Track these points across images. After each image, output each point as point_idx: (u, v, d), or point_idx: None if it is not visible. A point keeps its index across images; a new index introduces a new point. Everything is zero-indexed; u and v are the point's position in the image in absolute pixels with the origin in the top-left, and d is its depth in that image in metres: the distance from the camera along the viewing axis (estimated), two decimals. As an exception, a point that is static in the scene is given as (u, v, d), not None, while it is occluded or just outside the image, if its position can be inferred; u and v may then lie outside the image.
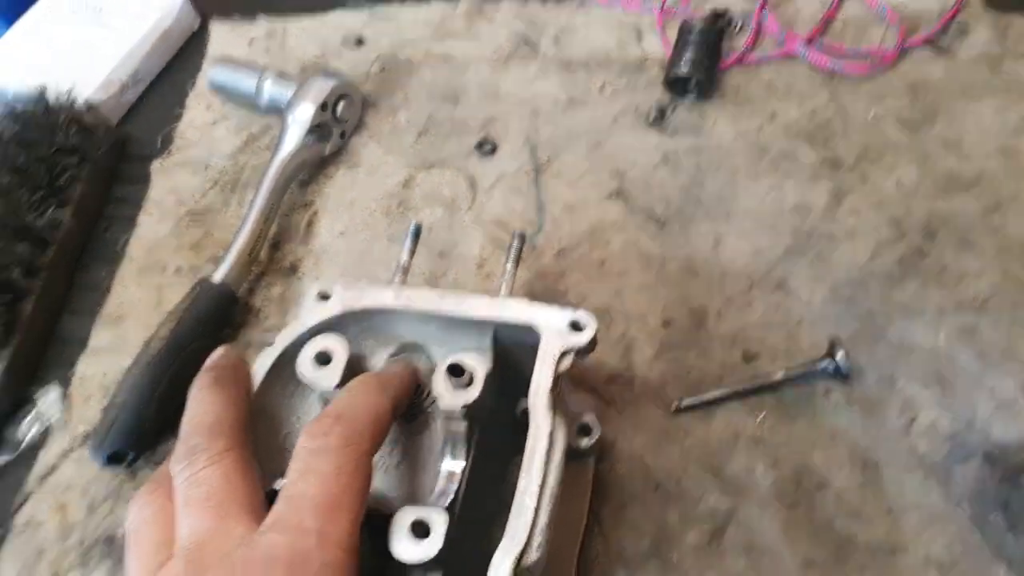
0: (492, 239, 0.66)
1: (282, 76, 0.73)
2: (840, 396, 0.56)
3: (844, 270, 0.60)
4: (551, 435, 0.41)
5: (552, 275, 0.63)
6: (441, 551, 0.37)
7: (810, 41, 0.71)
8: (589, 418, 0.52)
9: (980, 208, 0.61)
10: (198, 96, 0.80)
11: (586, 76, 0.74)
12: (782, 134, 0.67)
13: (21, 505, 0.60)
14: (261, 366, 0.45)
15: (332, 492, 0.36)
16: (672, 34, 0.73)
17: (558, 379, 0.43)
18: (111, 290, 0.69)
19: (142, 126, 0.80)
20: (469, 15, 0.80)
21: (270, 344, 0.46)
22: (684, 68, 0.69)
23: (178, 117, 0.79)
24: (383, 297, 0.46)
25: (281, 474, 0.40)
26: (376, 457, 0.39)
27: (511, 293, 0.49)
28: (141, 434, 0.59)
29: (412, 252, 0.52)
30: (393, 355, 0.47)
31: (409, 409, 0.44)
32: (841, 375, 0.55)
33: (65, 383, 0.65)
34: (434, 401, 0.44)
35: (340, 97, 0.71)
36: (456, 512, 0.41)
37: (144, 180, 0.75)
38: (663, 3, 0.76)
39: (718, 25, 0.72)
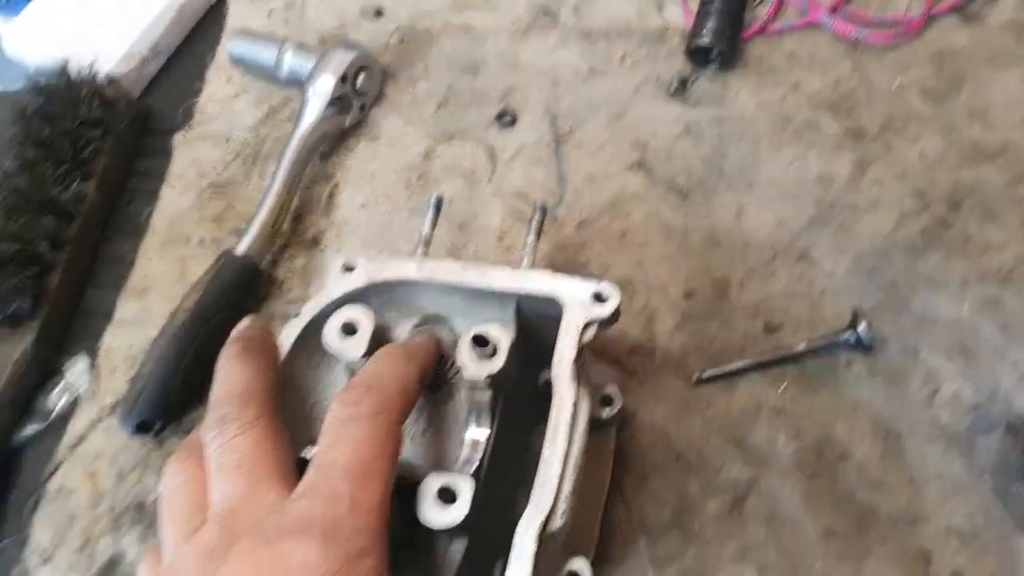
0: (512, 211, 0.66)
1: (302, 48, 0.73)
2: (863, 367, 0.56)
3: (867, 241, 0.60)
4: (575, 405, 0.41)
5: (573, 246, 0.63)
6: (467, 517, 0.37)
7: (834, 10, 0.70)
8: (611, 389, 0.52)
9: (1005, 179, 0.61)
10: (218, 69, 0.80)
11: (606, 46, 0.73)
12: (805, 104, 0.67)
13: (52, 473, 0.62)
14: (287, 337, 0.46)
15: (363, 459, 0.36)
16: (693, 3, 0.72)
17: (581, 350, 0.43)
18: (135, 263, 0.70)
19: (163, 99, 0.80)
20: (488, -16, 0.80)
21: (294, 316, 0.47)
22: (706, 38, 0.68)
23: (198, 90, 0.79)
24: (406, 269, 0.47)
25: (309, 443, 0.41)
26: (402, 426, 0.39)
27: (533, 265, 0.49)
28: (168, 404, 0.60)
29: (434, 224, 0.52)
30: (416, 326, 0.47)
31: (434, 379, 0.45)
32: (864, 346, 0.55)
33: (92, 354, 0.66)
34: (458, 371, 0.45)
35: (360, 69, 0.71)
36: (481, 479, 0.41)
37: (166, 153, 0.76)
38: (684, -28, 0.75)
39: (741, -6, 0.71)
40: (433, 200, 0.53)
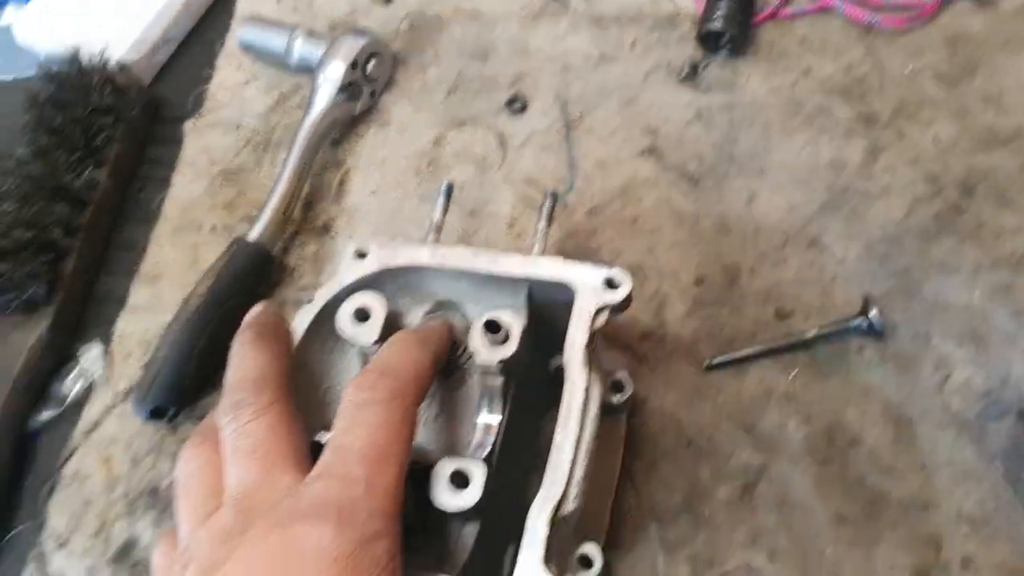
0: (523, 197, 0.66)
1: (312, 35, 0.73)
2: (874, 353, 0.56)
3: (879, 227, 0.60)
4: (586, 390, 0.42)
5: (584, 233, 0.63)
6: (480, 500, 0.38)
7: (846, -6, 0.70)
8: (622, 375, 0.53)
9: (1019, 164, 0.60)
10: (228, 56, 0.80)
11: (617, 32, 0.73)
12: (817, 89, 0.67)
13: (68, 458, 0.62)
14: (300, 323, 0.46)
15: (379, 443, 0.37)
16: (705, -12, 0.72)
17: (593, 336, 0.43)
18: (147, 249, 0.71)
19: (173, 87, 0.80)
20: (497, -30, 0.79)
21: (305, 302, 0.47)
22: (717, 23, 0.68)
23: (208, 78, 0.79)
24: (418, 255, 0.47)
25: (322, 427, 0.41)
26: (415, 411, 0.40)
27: (544, 251, 0.49)
28: (182, 390, 0.60)
29: (445, 211, 0.52)
30: (428, 312, 0.48)
31: (446, 365, 0.45)
32: (875, 332, 0.55)
33: (106, 341, 0.67)
34: (470, 357, 0.45)
35: (370, 55, 0.71)
36: (493, 464, 0.42)
37: (177, 141, 0.76)
38: (696, -44, 0.75)
39: (752, -21, 0.71)
40: (444, 187, 0.53)
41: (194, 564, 0.36)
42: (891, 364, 0.55)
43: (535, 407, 0.49)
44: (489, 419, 0.43)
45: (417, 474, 0.38)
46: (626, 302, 0.44)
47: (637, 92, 0.69)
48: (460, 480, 0.38)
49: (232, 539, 0.35)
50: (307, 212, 0.69)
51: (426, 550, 0.40)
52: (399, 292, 0.48)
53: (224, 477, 0.39)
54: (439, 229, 0.51)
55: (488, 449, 0.42)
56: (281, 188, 0.66)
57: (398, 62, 0.76)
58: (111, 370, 0.65)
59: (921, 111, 0.64)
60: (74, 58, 0.72)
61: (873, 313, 0.54)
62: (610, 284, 0.44)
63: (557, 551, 0.40)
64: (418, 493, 0.38)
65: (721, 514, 0.52)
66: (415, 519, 0.39)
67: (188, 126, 0.76)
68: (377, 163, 0.71)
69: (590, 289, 0.44)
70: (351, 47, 0.70)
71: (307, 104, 0.70)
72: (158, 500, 0.60)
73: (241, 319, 0.45)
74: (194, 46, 0.83)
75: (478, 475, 0.38)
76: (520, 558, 0.38)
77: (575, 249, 0.62)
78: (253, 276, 0.63)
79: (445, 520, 0.41)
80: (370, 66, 0.71)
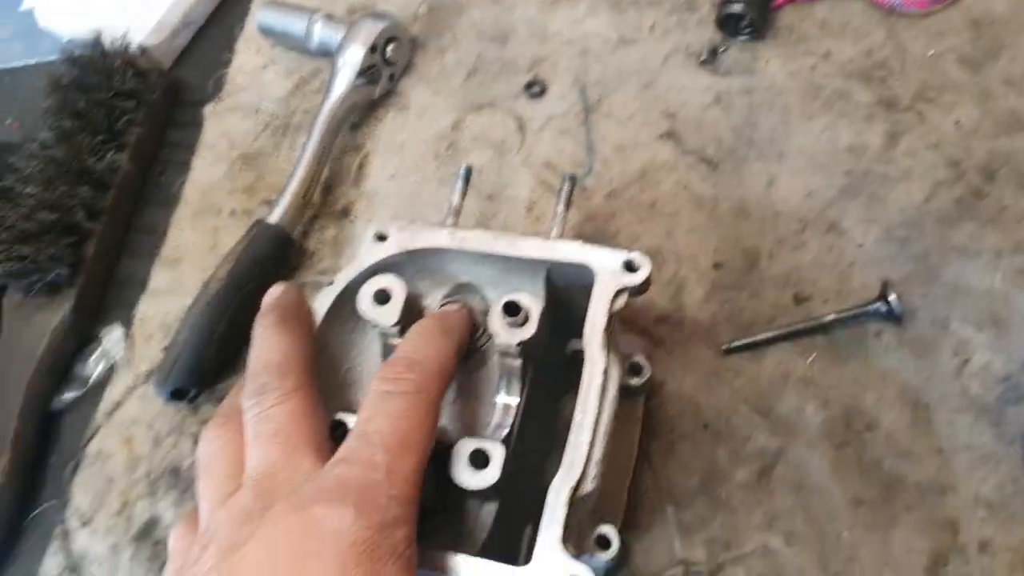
0: (541, 181, 0.66)
1: (331, 18, 0.73)
2: (892, 338, 0.56)
3: (899, 211, 0.60)
4: (605, 371, 0.42)
5: (602, 217, 0.63)
6: (499, 480, 0.38)
7: (868, -24, 0.69)
8: (640, 358, 0.53)
9: (1042, 148, 0.60)
10: (247, 40, 0.81)
11: (636, 15, 0.72)
12: (837, 73, 0.66)
13: (91, 438, 0.63)
14: (321, 305, 0.46)
15: (402, 432, 0.37)
16: (725, -29, 0.71)
17: (611, 318, 0.43)
18: (168, 233, 0.71)
19: (193, 71, 0.81)
20: (516, -47, 0.79)
21: (327, 284, 0.47)
22: (737, 6, 0.67)
23: (228, 62, 0.80)
24: (438, 237, 0.47)
25: (342, 408, 0.42)
26: (435, 393, 0.40)
27: (562, 235, 0.49)
28: (202, 371, 0.61)
29: (463, 194, 0.52)
30: (447, 295, 0.48)
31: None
32: (894, 317, 0.55)
33: (127, 323, 0.67)
34: (489, 339, 0.45)
35: (389, 39, 0.71)
36: (512, 444, 0.42)
37: (197, 124, 0.76)
38: (715, -61, 0.74)
39: (772, -39, 0.70)
40: (463, 170, 0.53)
41: (214, 544, 0.36)
42: (909, 348, 0.55)
43: (553, 390, 0.49)
44: (508, 400, 0.44)
45: (438, 454, 0.39)
46: (645, 285, 0.44)
47: (656, 76, 0.69)
48: (480, 460, 0.39)
49: (252, 520, 0.36)
50: (326, 196, 0.70)
51: (446, 529, 0.41)
52: (419, 275, 0.48)
53: (246, 460, 0.39)
54: (458, 213, 0.51)
55: (507, 430, 0.43)
56: (300, 172, 0.66)
57: (417, 46, 0.76)
58: (132, 352, 0.66)
59: (943, 95, 0.63)
60: (96, 42, 0.73)
61: (892, 297, 0.54)
62: (629, 267, 0.44)
63: (575, 532, 0.41)
64: (438, 473, 0.39)
65: (738, 497, 0.52)
66: (436, 499, 0.39)
67: (208, 110, 0.77)
68: (396, 147, 0.71)
69: (609, 272, 0.44)
70: (370, 31, 0.70)
71: (326, 88, 0.70)
72: (179, 480, 0.61)
73: (261, 302, 0.45)
74: (214, 30, 0.83)
75: (497, 455, 0.39)
76: (539, 538, 0.38)
77: (593, 233, 0.62)
78: (273, 259, 0.64)
79: (464, 500, 0.41)
80: (389, 50, 0.71)
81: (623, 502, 0.52)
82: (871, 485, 0.51)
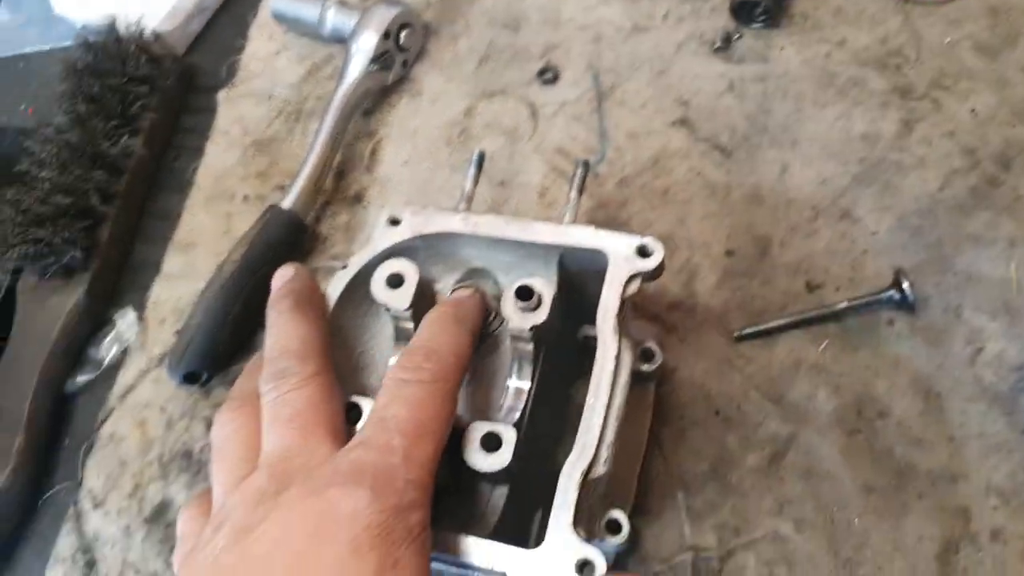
0: (553, 168, 0.66)
1: (344, 5, 0.73)
2: (904, 326, 0.55)
3: (913, 199, 0.59)
4: (617, 356, 0.42)
5: (614, 203, 0.63)
6: (511, 463, 0.38)
7: (884, -37, 0.68)
8: (651, 344, 0.53)
9: (1059, 137, 0.60)
10: (260, 26, 0.81)
11: (649, 2, 0.72)
12: (851, 61, 0.66)
13: (104, 421, 0.64)
14: (335, 289, 0.46)
15: (419, 419, 0.37)
16: (739, -42, 0.71)
17: (624, 303, 0.43)
18: (181, 218, 0.71)
19: (206, 57, 0.81)
20: (529, -60, 0.79)
21: (340, 268, 0.48)
22: (752, -7, 0.67)
23: (241, 48, 0.80)
24: (451, 222, 0.47)
25: (355, 391, 0.42)
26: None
27: (575, 221, 0.49)
28: (215, 355, 0.61)
29: (476, 180, 0.52)
30: (460, 280, 0.48)
31: (478, 333, 0.46)
32: (907, 305, 0.54)
33: (140, 307, 0.68)
34: (501, 323, 0.46)
35: (403, 25, 0.71)
36: (523, 428, 0.42)
37: (210, 110, 0.77)
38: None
39: (787, -52, 0.70)
40: (475, 155, 0.53)
41: (227, 525, 0.36)
42: (922, 337, 0.55)
43: (564, 375, 0.50)
44: (520, 384, 0.44)
45: (449, 439, 0.39)
46: (658, 270, 0.44)
47: (669, 63, 0.69)
48: (492, 442, 0.39)
49: (266, 502, 0.36)
50: (339, 182, 0.70)
51: (458, 512, 0.41)
52: (431, 259, 0.48)
53: (262, 443, 0.39)
54: (470, 199, 0.51)
55: (519, 413, 0.43)
56: (313, 158, 0.66)
57: (430, 32, 0.76)
58: (145, 336, 0.66)
59: (959, 82, 0.63)
60: (111, 28, 0.73)
61: (905, 285, 0.54)
62: (642, 252, 0.44)
63: (586, 515, 0.41)
64: (451, 456, 0.39)
65: (748, 483, 0.52)
66: (449, 481, 0.39)
67: (221, 96, 0.77)
68: (409, 133, 0.71)
69: (623, 257, 0.44)
70: (383, 17, 0.70)
71: (339, 74, 0.70)
72: (191, 463, 0.61)
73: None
74: (227, 16, 0.83)
75: (509, 438, 0.39)
76: (550, 521, 0.38)
77: (605, 219, 0.62)
78: (286, 244, 0.64)
79: (476, 482, 0.41)
80: (402, 36, 0.71)
81: (633, 487, 0.52)
82: (882, 472, 0.51)
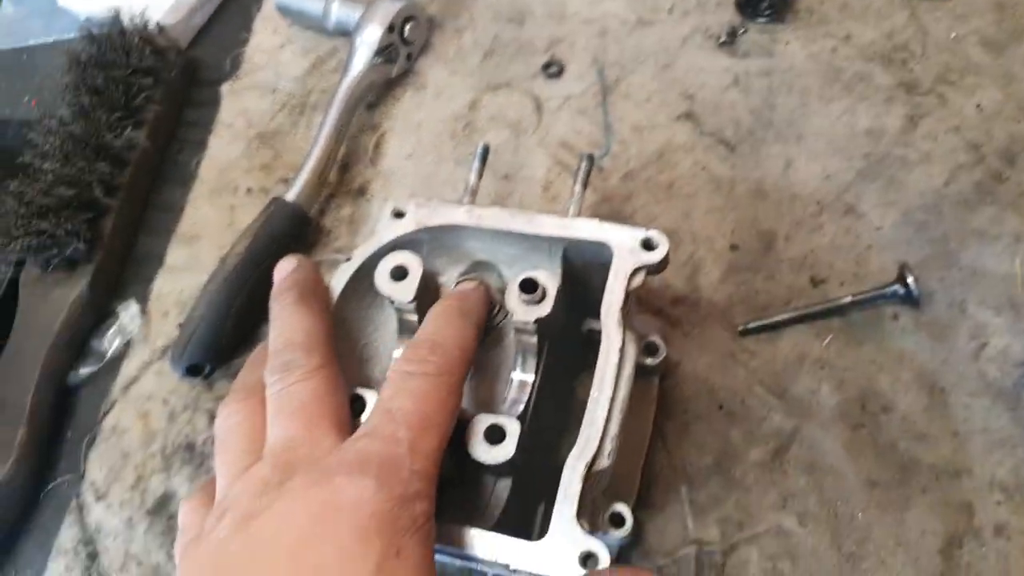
0: (558, 162, 0.66)
1: (348, -2, 0.73)
2: (908, 321, 0.55)
3: (917, 195, 0.59)
4: (622, 348, 0.42)
5: (619, 197, 0.63)
6: (515, 455, 0.38)
7: (890, -42, 0.68)
8: (655, 338, 0.53)
9: (1064, 132, 0.59)
10: (264, 19, 0.81)
11: (654, -4, 0.72)
12: (856, 56, 0.66)
13: (107, 413, 0.64)
14: (338, 281, 0.46)
15: (425, 411, 0.37)
16: (744, -48, 0.71)
17: (629, 296, 0.43)
18: (184, 210, 0.71)
19: (210, 50, 0.81)
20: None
21: (341, 262, 0.48)
22: (758, -13, 0.67)
23: (245, 41, 0.80)
24: (455, 215, 0.47)
25: (359, 383, 0.42)
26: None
27: (579, 215, 0.49)
28: (218, 348, 0.61)
29: (480, 174, 0.52)
30: (464, 273, 0.48)
31: (482, 326, 0.46)
32: (911, 300, 0.54)
33: (143, 299, 0.68)
34: (506, 316, 0.46)
35: (407, 18, 0.71)
36: (527, 421, 0.42)
37: (214, 103, 0.77)
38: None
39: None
40: (480, 148, 0.53)
41: (230, 514, 0.36)
42: (926, 332, 0.55)
43: (569, 369, 0.50)
44: (524, 377, 0.44)
45: (454, 429, 0.39)
46: (663, 263, 0.44)
47: (674, 57, 0.69)
48: (495, 435, 0.39)
49: (270, 491, 0.36)
50: (343, 175, 0.70)
51: (462, 504, 0.41)
52: (436, 252, 0.48)
53: (267, 434, 0.39)
54: (474, 192, 0.51)
55: (522, 406, 0.43)
56: (317, 151, 0.66)
57: (434, 25, 0.75)
58: (148, 328, 0.66)
59: (965, 78, 0.63)
60: (115, 20, 0.73)
61: (909, 280, 0.54)
62: (647, 245, 0.44)
63: (589, 508, 0.41)
64: (456, 448, 0.39)
65: (752, 477, 0.52)
66: (453, 473, 0.39)
67: (225, 89, 0.77)
68: (413, 126, 0.71)
69: (627, 250, 0.44)
70: (388, 10, 0.70)
71: (343, 67, 0.70)
72: (194, 456, 0.61)
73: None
74: (231, 9, 0.83)
75: (512, 430, 0.39)
76: (554, 512, 0.38)
77: (610, 213, 0.62)
78: (290, 237, 0.64)
79: (480, 475, 0.41)
80: (407, 29, 0.71)
81: (637, 481, 0.52)
82: (886, 467, 0.51)
